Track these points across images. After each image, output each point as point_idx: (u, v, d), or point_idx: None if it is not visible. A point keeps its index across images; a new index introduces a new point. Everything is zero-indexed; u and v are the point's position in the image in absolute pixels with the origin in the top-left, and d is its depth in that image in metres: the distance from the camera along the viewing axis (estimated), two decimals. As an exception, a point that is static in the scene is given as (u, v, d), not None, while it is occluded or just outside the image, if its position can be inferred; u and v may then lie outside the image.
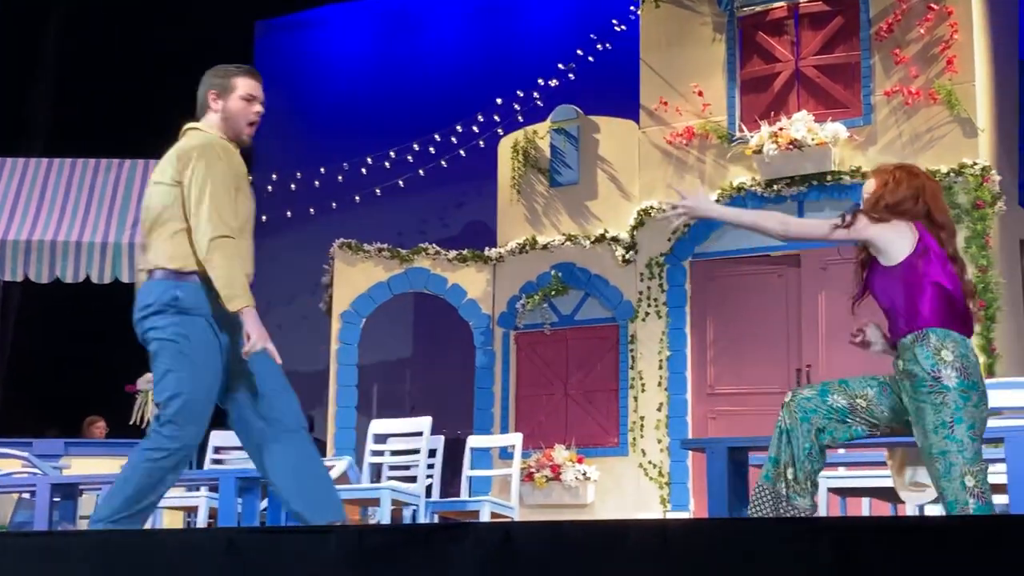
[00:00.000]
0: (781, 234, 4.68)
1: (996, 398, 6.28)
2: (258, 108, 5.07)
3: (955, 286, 4.36)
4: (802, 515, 4.30)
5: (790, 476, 4.34)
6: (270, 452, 4.87)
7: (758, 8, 10.79)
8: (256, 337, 4.66)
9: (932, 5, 10.05)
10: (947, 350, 4.20)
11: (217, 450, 8.60)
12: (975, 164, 9.71)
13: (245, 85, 5.03)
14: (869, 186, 4.60)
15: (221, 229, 4.73)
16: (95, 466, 9.74)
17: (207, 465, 8.58)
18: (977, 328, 9.40)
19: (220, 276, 4.72)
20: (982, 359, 9.41)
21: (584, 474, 10.68)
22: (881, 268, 4.45)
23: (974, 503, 4.07)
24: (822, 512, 6.54)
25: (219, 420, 11.26)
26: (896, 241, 4.39)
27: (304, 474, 4.86)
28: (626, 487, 10.60)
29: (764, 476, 4.42)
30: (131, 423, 10.94)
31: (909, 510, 5.53)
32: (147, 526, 7.77)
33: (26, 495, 7.90)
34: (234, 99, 5.00)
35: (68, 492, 7.22)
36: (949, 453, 4.13)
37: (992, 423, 5.96)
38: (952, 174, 9.66)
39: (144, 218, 5.02)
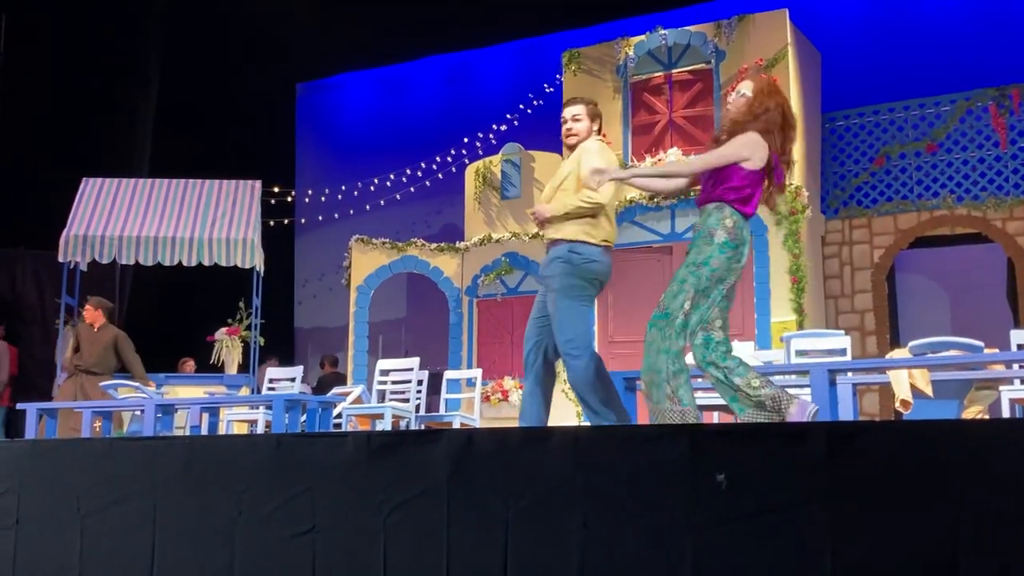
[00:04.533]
0: (688, 173, 4.21)
1: (803, 344, 6.35)
2: (568, 126, 5.10)
3: (755, 183, 3.97)
4: (774, 397, 3.77)
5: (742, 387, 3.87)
6: None
7: (644, 76, 10.80)
8: None
9: (762, 75, 10.09)
10: (729, 219, 3.87)
11: (271, 380, 8.56)
12: (791, 184, 9.75)
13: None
14: (746, 87, 4.25)
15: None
16: (186, 392, 9.68)
17: (264, 391, 8.54)
18: (790, 295, 9.56)
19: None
20: (793, 319, 9.52)
21: (524, 396, 10.71)
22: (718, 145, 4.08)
23: (680, 320, 3.77)
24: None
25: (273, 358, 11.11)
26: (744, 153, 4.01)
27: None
28: (553, 405, 10.62)
29: (738, 411, 3.92)
30: (211, 363, 10.86)
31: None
32: (221, 432, 7.75)
33: (138, 412, 7.86)
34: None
35: (166, 410, 7.19)
36: (685, 281, 3.84)
37: (801, 361, 6.04)
38: (775, 191, 9.72)
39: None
